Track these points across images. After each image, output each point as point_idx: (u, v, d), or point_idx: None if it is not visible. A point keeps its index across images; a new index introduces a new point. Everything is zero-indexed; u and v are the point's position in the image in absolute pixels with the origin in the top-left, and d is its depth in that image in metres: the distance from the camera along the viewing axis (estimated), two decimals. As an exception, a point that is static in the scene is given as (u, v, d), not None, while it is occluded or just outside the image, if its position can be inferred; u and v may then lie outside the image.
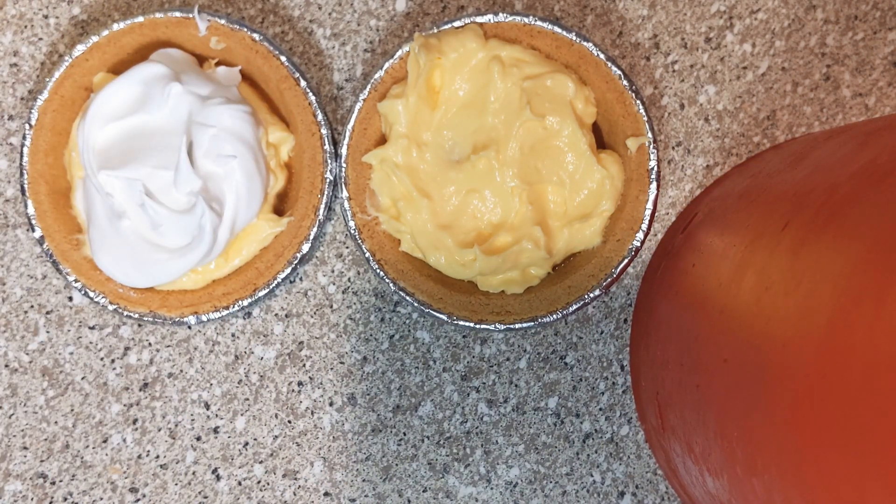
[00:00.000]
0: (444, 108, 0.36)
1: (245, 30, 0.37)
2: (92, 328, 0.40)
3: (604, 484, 0.40)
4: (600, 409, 0.41)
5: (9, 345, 0.40)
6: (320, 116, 0.37)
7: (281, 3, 0.40)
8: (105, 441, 0.40)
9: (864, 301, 0.22)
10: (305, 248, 0.37)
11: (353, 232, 0.37)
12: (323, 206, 0.37)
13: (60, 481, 0.40)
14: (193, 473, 0.40)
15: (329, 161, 0.37)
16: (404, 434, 0.40)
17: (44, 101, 0.37)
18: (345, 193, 0.37)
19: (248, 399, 0.40)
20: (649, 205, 0.37)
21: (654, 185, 0.37)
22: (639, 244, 0.37)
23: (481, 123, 0.36)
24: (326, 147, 0.37)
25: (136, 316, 0.37)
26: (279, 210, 0.38)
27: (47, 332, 0.40)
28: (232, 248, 0.37)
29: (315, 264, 0.40)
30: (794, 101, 0.41)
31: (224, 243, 0.36)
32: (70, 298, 0.40)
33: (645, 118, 0.37)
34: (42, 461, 0.40)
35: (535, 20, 0.36)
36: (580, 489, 0.40)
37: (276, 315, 0.40)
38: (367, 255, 0.37)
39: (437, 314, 0.37)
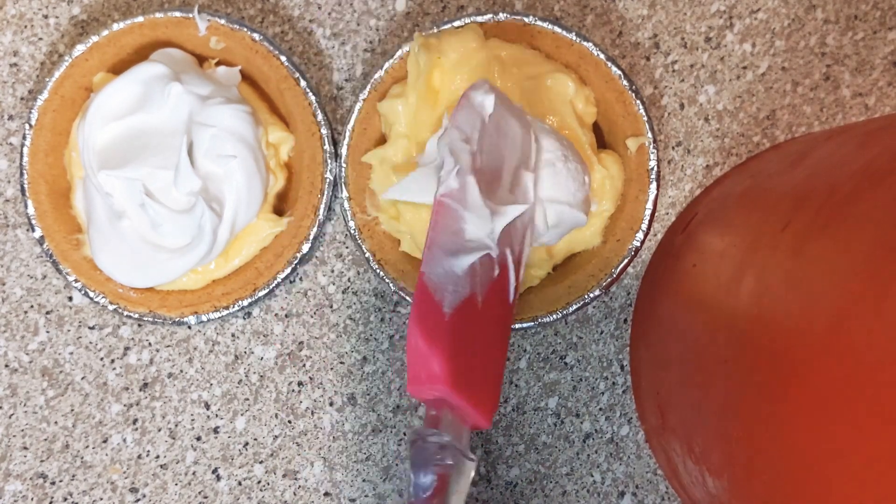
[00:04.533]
0: (444, 107, 0.36)
1: (245, 30, 0.37)
2: (92, 328, 0.40)
3: (604, 484, 0.40)
4: (600, 409, 0.41)
5: (9, 345, 0.40)
6: (320, 116, 0.37)
7: (281, 3, 0.40)
8: (105, 441, 0.40)
9: (865, 301, 0.22)
10: (305, 248, 0.37)
11: (353, 232, 0.37)
12: (323, 206, 0.37)
13: (60, 481, 0.40)
14: (193, 473, 0.40)
15: (329, 161, 0.37)
16: (404, 434, 0.40)
17: (44, 101, 0.37)
18: (345, 193, 0.37)
19: (248, 399, 0.40)
20: (649, 205, 0.37)
21: (653, 185, 0.37)
22: (639, 244, 0.37)
23: (481, 123, 0.36)
24: (326, 147, 0.37)
25: (136, 316, 0.37)
26: (279, 210, 0.38)
27: (47, 332, 0.40)
28: (232, 248, 0.37)
29: (315, 264, 0.40)
30: (794, 101, 0.41)
31: (224, 243, 0.36)
32: (70, 298, 0.40)
33: (645, 118, 0.37)
34: (42, 461, 0.40)
35: (535, 20, 0.36)
36: (580, 489, 0.40)
37: (276, 315, 0.40)
38: (368, 254, 0.37)
39: (438, 314, 0.37)
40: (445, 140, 0.31)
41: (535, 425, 0.40)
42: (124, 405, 0.40)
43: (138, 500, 0.40)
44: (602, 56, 0.36)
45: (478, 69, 0.36)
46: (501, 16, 0.37)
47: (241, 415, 0.40)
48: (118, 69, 0.37)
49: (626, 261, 0.37)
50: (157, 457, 0.40)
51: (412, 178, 0.34)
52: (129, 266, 0.35)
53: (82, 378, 0.40)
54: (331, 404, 0.40)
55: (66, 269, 0.37)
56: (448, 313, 0.30)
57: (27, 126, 0.37)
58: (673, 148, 0.41)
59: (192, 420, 0.40)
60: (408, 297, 0.37)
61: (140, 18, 0.37)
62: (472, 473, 0.30)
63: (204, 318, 0.37)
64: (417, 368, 0.30)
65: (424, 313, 0.30)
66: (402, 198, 0.34)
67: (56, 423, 0.40)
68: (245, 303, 0.37)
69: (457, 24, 0.36)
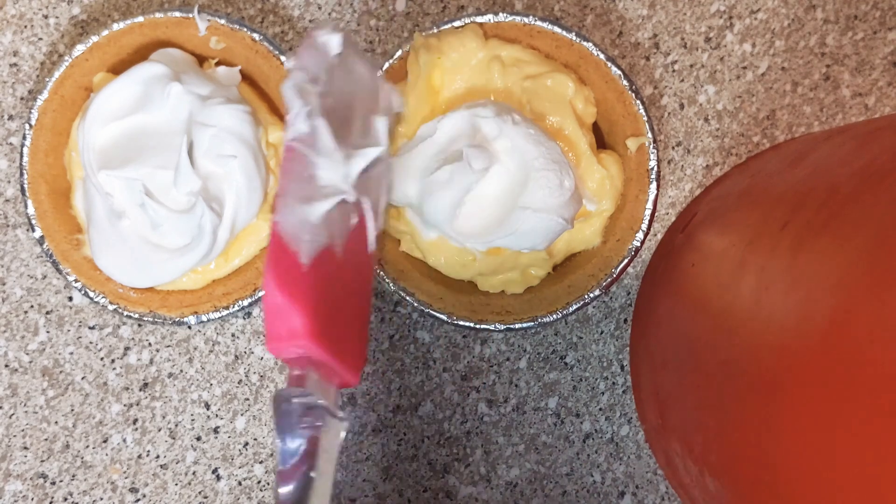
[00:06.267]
0: (444, 107, 0.36)
1: (245, 30, 0.37)
2: (92, 328, 0.40)
3: (604, 484, 0.40)
4: (600, 409, 0.41)
5: (9, 345, 0.40)
6: (320, 116, 0.37)
7: (281, 3, 0.40)
8: (105, 441, 0.40)
9: (864, 301, 0.22)
10: (305, 248, 0.37)
11: (352, 232, 0.37)
12: (323, 206, 0.37)
13: (60, 481, 0.40)
14: (193, 473, 0.40)
15: (329, 161, 0.37)
16: (404, 434, 0.40)
17: (44, 101, 0.37)
18: (345, 193, 0.37)
19: (248, 399, 0.40)
20: (649, 205, 0.37)
21: (653, 185, 0.37)
22: (639, 244, 0.37)
23: (482, 123, 0.36)
24: (326, 147, 0.37)
25: (136, 316, 0.37)
26: (279, 210, 0.38)
27: (47, 332, 0.40)
28: (232, 248, 0.37)
29: (315, 264, 0.40)
30: (794, 101, 0.41)
31: (224, 243, 0.36)
32: (70, 298, 0.40)
33: (645, 118, 0.37)
34: (42, 461, 0.40)
35: (535, 20, 0.36)
36: (580, 489, 0.40)
37: (276, 315, 0.40)
38: (367, 254, 0.37)
39: (437, 314, 0.37)
40: (290, 82, 0.29)
41: (535, 425, 0.40)
42: (124, 405, 0.40)
43: (138, 500, 0.40)
44: (602, 56, 0.36)
45: (478, 69, 0.36)
46: (501, 16, 0.37)
47: (241, 415, 0.40)
48: (118, 69, 0.37)
49: (626, 261, 0.37)
50: (158, 457, 0.40)
51: (396, 159, 0.34)
52: (129, 266, 0.35)
53: (82, 378, 0.40)
54: (331, 404, 0.40)
55: (66, 269, 0.37)
56: (306, 264, 0.28)
57: (27, 126, 0.37)
58: (673, 148, 0.41)
59: (193, 420, 0.40)
60: (408, 297, 0.37)
61: (140, 18, 0.37)
62: (343, 434, 0.28)
63: (204, 318, 0.37)
64: (277, 324, 0.28)
65: (280, 265, 0.27)
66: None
67: (56, 423, 0.40)
68: (245, 303, 0.37)
69: (457, 24, 0.37)
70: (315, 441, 0.27)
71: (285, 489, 0.26)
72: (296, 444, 0.27)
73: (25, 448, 0.40)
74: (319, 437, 0.27)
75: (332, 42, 0.30)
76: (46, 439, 0.40)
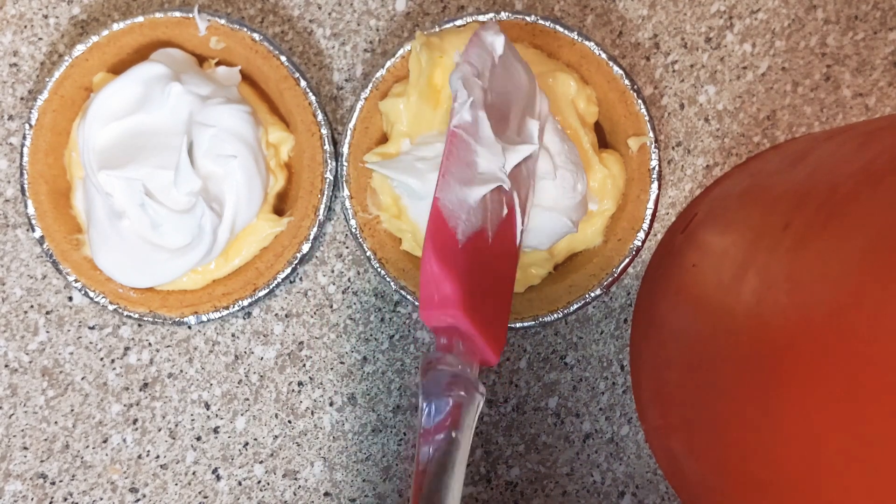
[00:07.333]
0: (445, 106, 0.36)
1: (245, 30, 0.37)
2: (92, 328, 0.40)
3: (604, 484, 0.40)
4: (600, 409, 0.40)
5: (9, 345, 0.40)
6: (320, 116, 0.37)
7: (281, 3, 0.40)
8: (105, 441, 0.40)
9: (866, 301, 0.22)
10: (305, 248, 0.37)
11: (354, 230, 0.37)
12: (323, 206, 0.37)
13: (60, 481, 0.40)
14: (193, 473, 0.40)
15: (329, 161, 0.37)
16: (404, 434, 0.40)
17: (44, 101, 0.37)
18: (346, 192, 0.37)
19: (248, 399, 0.40)
20: (650, 204, 0.37)
21: (655, 185, 0.37)
22: (640, 244, 0.37)
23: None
24: (326, 147, 0.37)
25: (136, 316, 0.37)
26: (279, 210, 0.38)
27: (47, 332, 0.40)
28: (232, 248, 0.37)
29: (315, 264, 0.40)
30: (795, 101, 0.41)
31: (224, 243, 0.36)
32: (70, 298, 0.40)
33: (647, 118, 0.37)
34: (42, 461, 0.40)
35: (537, 19, 0.37)
36: (580, 489, 0.40)
37: (276, 315, 0.40)
38: (369, 253, 0.37)
39: (438, 314, 0.37)
40: (458, 73, 0.31)
41: (535, 425, 0.40)
42: (124, 405, 0.40)
43: (138, 500, 0.40)
44: (604, 56, 0.36)
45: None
46: (503, 15, 0.37)
47: (241, 415, 0.40)
48: (118, 69, 0.37)
49: (627, 260, 0.37)
50: (157, 457, 0.40)
51: (400, 158, 0.34)
52: (129, 266, 0.35)
53: (82, 378, 0.40)
54: (331, 404, 0.40)
55: (66, 269, 0.37)
56: (461, 241, 0.30)
57: (27, 126, 0.37)
58: (673, 148, 0.41)
59: (192, 420, 0.40)
60: (408, 297, 0.37)
61: (140, 18, 0.37)
62: (481, 407, 0.29)
63: (204, 318, 0.37)
64: (430, 291, 0.29)
65: (438, 237, 0.29)
66: (386, 173, 0.35)
67: (56, 423, 0.40)
68: (245, 303, 0.37)
69: (458, 23, 0.37)
70: (458, 409, 0.28)
71: (425, 449, 0.28)
72: (440, 409, 0.28)
73: (25, 448, 0.40)
74: (462, 405, 0.28)
75: (497, 43, 0.32)
76: (46, 439, 0.40)
